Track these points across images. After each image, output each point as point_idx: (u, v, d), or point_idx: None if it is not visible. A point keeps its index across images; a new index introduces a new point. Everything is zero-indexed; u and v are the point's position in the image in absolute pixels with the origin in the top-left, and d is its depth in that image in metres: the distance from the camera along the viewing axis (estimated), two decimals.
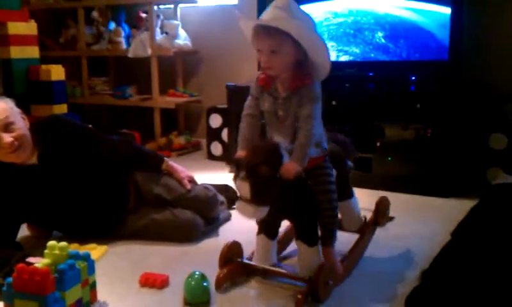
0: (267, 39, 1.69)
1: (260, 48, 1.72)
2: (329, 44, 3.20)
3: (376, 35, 3.12)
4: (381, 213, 2.20)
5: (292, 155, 1.70)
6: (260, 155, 1.64)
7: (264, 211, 1.66)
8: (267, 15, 1.70)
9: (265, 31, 1.68)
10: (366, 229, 2.16)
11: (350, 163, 2.06)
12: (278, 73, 1.76)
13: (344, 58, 3.23)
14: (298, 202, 1.78)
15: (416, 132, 2.95)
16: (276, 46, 1.68)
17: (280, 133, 1.79)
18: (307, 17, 1.74)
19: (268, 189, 1.64)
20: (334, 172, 1.89)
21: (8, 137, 2.11)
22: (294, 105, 1.74)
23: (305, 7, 3.03)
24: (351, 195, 2.08)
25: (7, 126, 2.12)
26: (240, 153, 1.76)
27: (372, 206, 2.22)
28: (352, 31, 3.19)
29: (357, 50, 3.19)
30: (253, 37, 1.73)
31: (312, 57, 1.73)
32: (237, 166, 1.68)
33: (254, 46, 1.75)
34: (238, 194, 1.69)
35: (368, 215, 2.20)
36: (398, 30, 3.06)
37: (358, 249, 2.09)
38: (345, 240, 2.08)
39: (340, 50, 3.23)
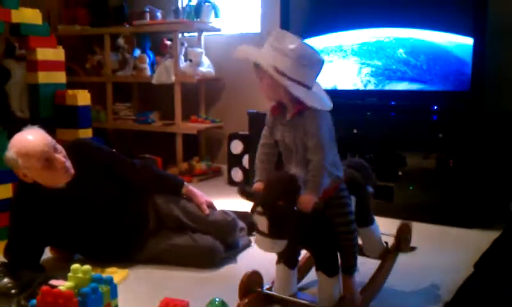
0: (254, 67, 1.78)
1: None
2: (353, 59, 3.28)
3: (397, 51, 3.16)
4: (403, 239, 2.18)
5: (306, 186, 1.69)
6: (277, 190, 1.64)
7: (282, 244, 1.66)
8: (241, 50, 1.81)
9: None
10: (388, 255, 2.13)
11: (370, 189, 2.05)
12: (269, 97, 1.82)
13: (366, 70, 3.26)
14: (316, 233, 1.77)
15: (439, 161, 2.93)
16: (259, 74, 1.78)
17: (293, 162, 1.79)
18: (298, 53, 1.70)
19: (286, 223, 1.64)
20: (353, 199, 1.89)
21: (61, 157, 2.16)
22: (300, 131, 1.73)
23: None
24: (371, 221, 2.06)
25: (55, 150, 2.17)
26: (257, 185, 1.77)
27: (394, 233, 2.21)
28: (374, 48, 3.24)
29: (379, 63, 3.23)
30: None
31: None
32: (253, 200, 1.68)
33: None
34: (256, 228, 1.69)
35: (390, 241, 2.18)
36: (419, 49, 3.10)
37: (380, 276, 2.07)
38: (366, 267, 2.07)
39: (363, 63, 3.27)
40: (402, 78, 3.18)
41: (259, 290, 1.93)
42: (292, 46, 1.70)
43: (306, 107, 1.72)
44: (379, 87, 3.24)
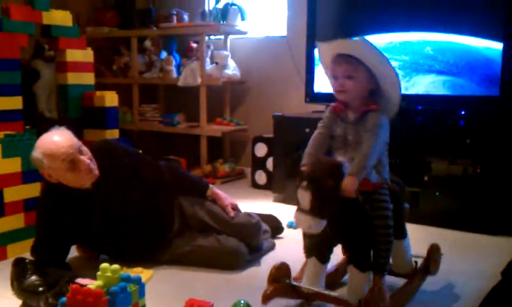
0: (343, 65, 1.81)
1: (336, 74, 1.84)
2: None
3: (425, 49, 3.17)
4: (433, 260, 2.15)
5: (350, 167, 1.72)
6: (324, 168, 1.69)
7: (320, 225, 1.66)
8: (343, 44, 1.82)
9: (342, 58, 1.82)
10: (416, 275, 2.09)
11: (407, 205, 2.05)
12: (351, 98, 1.84)
13: (393, 64, 3.23)
14: (353, 224, 1.78)
15: (466, 167, 2.90)
16: (352, 71, 1.81)
17: (346, 157, 1.82)
18: (378, 51, 1.82)
19: (328, 202, 1.66)
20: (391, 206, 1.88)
21: (86, 159, 2.19)
22: (363, 129, 1.80)
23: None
24: (404, 236, 2.04)
25: (81, 152, 2.19)
26: (305, 166, 1.79)
27: (420, 244, 2.19)
28: (402, 46, 3.25)
29: (406, 58, 3.23)
30: (331, 64, 1.85)
31: (384, 87, 1.82)
32: (299, 176, 1.70)
33: (330, 72, 1.88)
34: (298, 205, 1.70)
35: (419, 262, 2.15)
36: (446, 47, 3.10)
37: (406, 292, 2.03)
38: (392, 282, 2.05)
39: (390, 58, 3.23)
40: (429, 71, 3.17)
41: (287, 281, 1.93)
42: (378, 51, 1.82)
43: (372, 108, 1.81)
44: (407, 80, 3.22)
